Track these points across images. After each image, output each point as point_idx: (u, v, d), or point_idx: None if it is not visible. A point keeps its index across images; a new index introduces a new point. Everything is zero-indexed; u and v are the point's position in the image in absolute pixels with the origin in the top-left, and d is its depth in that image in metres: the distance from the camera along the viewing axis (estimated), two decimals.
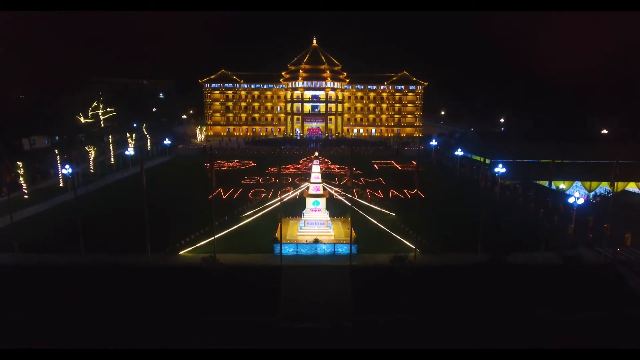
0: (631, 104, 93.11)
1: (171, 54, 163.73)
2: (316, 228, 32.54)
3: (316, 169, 32.76)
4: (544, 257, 30.15)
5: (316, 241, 30.84)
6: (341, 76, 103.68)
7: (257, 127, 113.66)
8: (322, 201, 33.00)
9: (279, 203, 31.38)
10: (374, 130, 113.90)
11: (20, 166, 46.74)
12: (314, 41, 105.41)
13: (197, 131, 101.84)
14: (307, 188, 33.06)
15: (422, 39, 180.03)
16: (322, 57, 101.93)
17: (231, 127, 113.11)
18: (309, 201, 32.92)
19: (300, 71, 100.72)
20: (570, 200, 33.51)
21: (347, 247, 30.16)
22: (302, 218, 33.57)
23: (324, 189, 33.34)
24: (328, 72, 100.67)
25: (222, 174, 63.39)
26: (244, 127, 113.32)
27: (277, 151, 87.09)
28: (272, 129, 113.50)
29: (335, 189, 40.59)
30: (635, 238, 33.13)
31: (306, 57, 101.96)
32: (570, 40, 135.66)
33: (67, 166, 45.73)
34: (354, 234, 30.71)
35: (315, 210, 32.93)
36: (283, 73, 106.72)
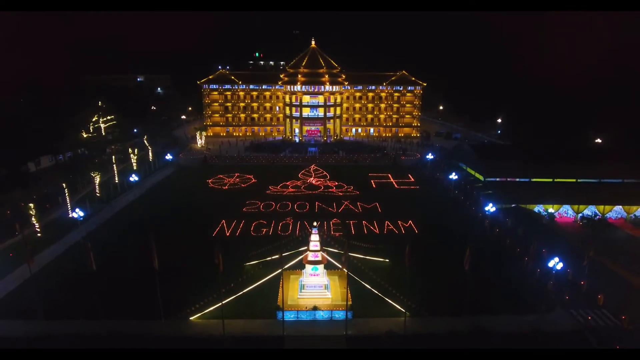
0: (628, 112, 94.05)
1: (167, 52, 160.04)
2: (315, 292, 35.37)
3: (315, 238, 35.18)
4: (522, 320, 33.56)
5: (315, 308, 33.76)
6: (340, 79, 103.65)
7: (256, 128, 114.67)
8: (321, 267, 35.64)
9: (283, 249, 34.13)
10: (372, 130, 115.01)
11: (32, 207, 49.12)
12: (313, 42, 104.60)
13: (197, 135, 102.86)
14: (307, 255, 35.59)
15: (421, 39, 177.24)
16: (321, 60, 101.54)
17: (230, 128, 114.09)
18: (308, 267, 35.57)
19: (299, 75, 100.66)
20: (550, 264, 36.16)
21: (343, 313, 33.17)
22: (302, 280, 36.31)
23: (322, 256, 35.87)
24: (327, 76, 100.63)
25: (223, 198, 65.81)
26: (243, 128, 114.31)
27: (277, 159, 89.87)
28: (271, 130, 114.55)
29: (332, 249, 42.97)
30: (607, 298, 36.05)
31: (304, 60, 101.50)
32: (568, 42, 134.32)
33: (77, 210, 48.06)
34: (349, 299, 33.65)
35: (314, 275, 35.64)
36: (282, 76, 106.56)
